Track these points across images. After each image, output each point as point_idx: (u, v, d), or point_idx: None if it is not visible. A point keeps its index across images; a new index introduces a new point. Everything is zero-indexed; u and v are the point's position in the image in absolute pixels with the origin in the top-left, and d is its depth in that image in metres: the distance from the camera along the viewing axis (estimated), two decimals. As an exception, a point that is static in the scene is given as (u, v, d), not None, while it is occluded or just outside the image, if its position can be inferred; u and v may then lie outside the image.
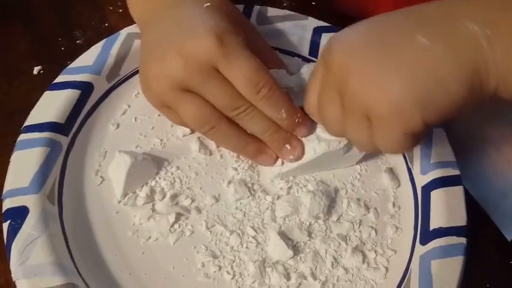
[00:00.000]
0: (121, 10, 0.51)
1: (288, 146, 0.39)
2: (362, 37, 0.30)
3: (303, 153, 0.40)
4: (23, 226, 0.35)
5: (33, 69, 0.46)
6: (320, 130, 0.39)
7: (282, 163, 0.41)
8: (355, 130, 0.32)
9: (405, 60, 0.28)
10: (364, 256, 0.39)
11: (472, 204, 0.41)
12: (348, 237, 0.40)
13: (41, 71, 0.46)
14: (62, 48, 0.48)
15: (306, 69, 0.42)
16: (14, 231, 0.34)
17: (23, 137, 0.38)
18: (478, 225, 0.42)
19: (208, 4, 0.38)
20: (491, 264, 0.42)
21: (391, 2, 0.52)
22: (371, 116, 0.30)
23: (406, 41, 0.29)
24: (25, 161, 0.37)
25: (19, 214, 0.35)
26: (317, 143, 0.39)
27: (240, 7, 0.47)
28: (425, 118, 0.28)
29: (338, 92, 0.32)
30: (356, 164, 0.43)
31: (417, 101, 0.28)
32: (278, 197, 0.41)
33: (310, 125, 0.39)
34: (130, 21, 0.43)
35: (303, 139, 0.39)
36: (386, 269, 0.39)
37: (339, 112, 0.32)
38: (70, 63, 0.42)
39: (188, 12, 0.38)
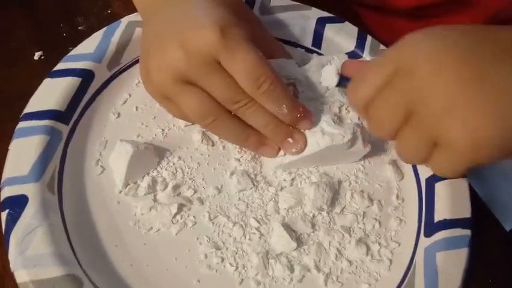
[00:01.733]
0: (124, -3, 0.50)
1: (290, 140, 0.39)
2: (455, 61, 0.28)
3: (305, 146, 0.39)
4: (22, 215, 0.34)
5: (33, 55, 0.45)
6: (325, 124, 0.39)
7: (284, 154, 0.40)
8: (414, 145, 0.31)
9: (498, 103, 0.27)
10: (368, 248, 0.39)
11: (473, 200, 0.40)
12: (351, 229, 0.39)
13: (42, 57, 0.46)
14: (64, 34, 0.47)
15: (315, 61, 0.41)
16: (13, 220, 0.34)
17: (22, 124, 0.37)
18: (480, 220, 0.41)
19: None
20: (493, 259, 0.42)
21: None
22: (441, 142, 0.29)
23: (503, 84, 0.27)
24: (24, 149, 0.36)
25: (18, 203, 0.34)
26: (321, 136, 0.38)
27: (244, -4, 0.46)
28: (496, 157, 0.29)
29: (407, 101, 0.30)
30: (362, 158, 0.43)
31: (496, 143, 0.28)
32: (281, 188, 0.40)
33: (312, 119, 0.39)
34: (132, 8, 0.42)
35: (307, 131, 0.39)
36: (390, 261, 0.38)
37: (399, 121, 0.31)
38: (71, 50, 0.41)
39: (192, 3, 0.37)
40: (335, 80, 0.41)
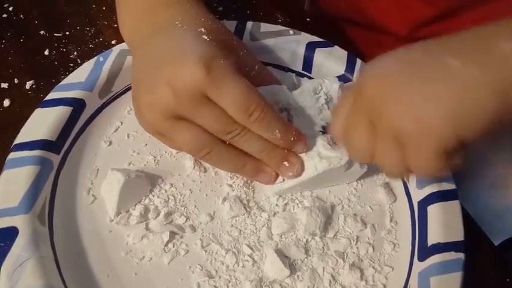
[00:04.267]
0: (115, 25, 0.50)
1: (286, 163, 0.39)
2: (394, 63, 0.32)
3: (302, 169, 0.39)
4: (12, 248, 0.34)
5: (25, 84, 0.45)
6: (321, 147, 0.39)
7: (283, 180, 0.40)
8: (386, 153, 0.33)
9: (436, 80, 0.29)
10: (362, 273, 0.38)
11: (466, 221, 0.40)
12: (345, 254, 0.39)
13: (34, 86, 0.46)
14: (56, 63, 0.47)
15: (307, 86, 0.41)
16: (2, 253, 0.33)
17: (12, 155, 0.37)
18: (473, 242, 0.41)
19: (198, 29, 0.37)
20: (487, 281, 0.42)
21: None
22: (401, 136, 0.31)
23: (436, 63, 0.30)
24: (15, 180, 0.36)
25: (8, 235, 0.34)
26: (318, 160, 0.38)
27: (234, 23, 0.47)
28: (459, 135, 0.29)
29: (368, 117, 0.33)
30: (357, 180, 0.43)
31: (449, 117, 0.29)
32: (274, 214, 0.40)
33: (306, 141, 0.39)
34: (124, 36, 0.43)
35: (304, 156, 0.39)
36: (384, 286, 0.38)
37: (367, 136, 0.33)
38: (63, 78, 0.41)
39: (177, 38, 0.37)
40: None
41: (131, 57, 0.43)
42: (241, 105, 0.35)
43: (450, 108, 0.29)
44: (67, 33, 0.49)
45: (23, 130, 0.39)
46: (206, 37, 0.37)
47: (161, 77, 0.35)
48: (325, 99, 0.42)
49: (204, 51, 0.35)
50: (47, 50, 0.48)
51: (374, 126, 0.32)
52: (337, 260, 0.39)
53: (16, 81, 0.46)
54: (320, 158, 0.38)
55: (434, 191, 0.41)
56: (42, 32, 0.49)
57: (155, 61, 0.36)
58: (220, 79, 0.34)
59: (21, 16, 0.51)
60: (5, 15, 0.50)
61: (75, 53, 0.48)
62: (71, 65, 0.47)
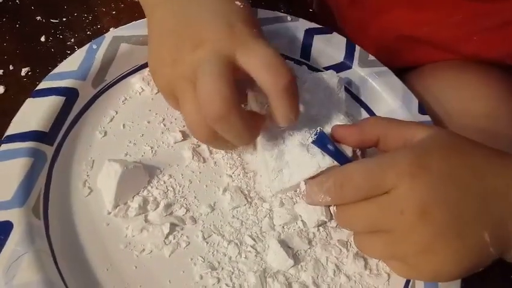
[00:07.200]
0: (114, 12, 0.49)
1: None
2: (440, 214, 0.31)
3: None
4: (7, 242, 0.32)
5: (21, 71, 0.44)
6: None
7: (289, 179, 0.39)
8: (378, 252, 0.35)
9: (470, 254, 0.31)
10: (366, 262, 0.38)
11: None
12: (348, 243, 0.39)
13: (29, 73, 0.44)
14: (52, 50, 0.46)
15: (310, 79, 0.41)
16: (-3, 248, 0.32)
17: (4, 147, 0.36)
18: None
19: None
20: (492, 278, 0.41)
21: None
22: (409, 263, 0.33)
23: (476, 236, 0.31)
24: (7, 173, 0.35)
25: (2, 229, 0.33)
26: (321, 158, 0.37)
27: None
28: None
29: (383, 227, 0.33)
30: None
31: (460, 277, 0.33)
32: (276, 204, 0.39)
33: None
34: (123, 23, 0.41)
35: (307, 153, 0.38)
36: (388, 275, 0.38)
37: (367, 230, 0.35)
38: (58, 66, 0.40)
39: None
40: None
41: (126, 45, 0.41)
42: (271, 67, 0.33)
43: (465, 270, 0.32)
44: (64, 19, 0.48)
45: (14, 121, 0.37)
46: (239, 3, 0.36)
47: (191, 36, 0.34)
48: (324, 94, 0.41)
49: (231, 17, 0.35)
50: (44, 36, 0.46)
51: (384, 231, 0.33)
52: (340, 250, 0.38)
53: (11, 67, 0.44)
54: (322, 155, 0.37)
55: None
56: (38, 18, 0.48)
57: (187, 18, 0.35)
58: (253, 42, 0.34)
59: (17, 1, 0.49)
60: (0, 0, 0.48)
61: (72, 40, 0.47)
62: (68, 52, 0.45)
